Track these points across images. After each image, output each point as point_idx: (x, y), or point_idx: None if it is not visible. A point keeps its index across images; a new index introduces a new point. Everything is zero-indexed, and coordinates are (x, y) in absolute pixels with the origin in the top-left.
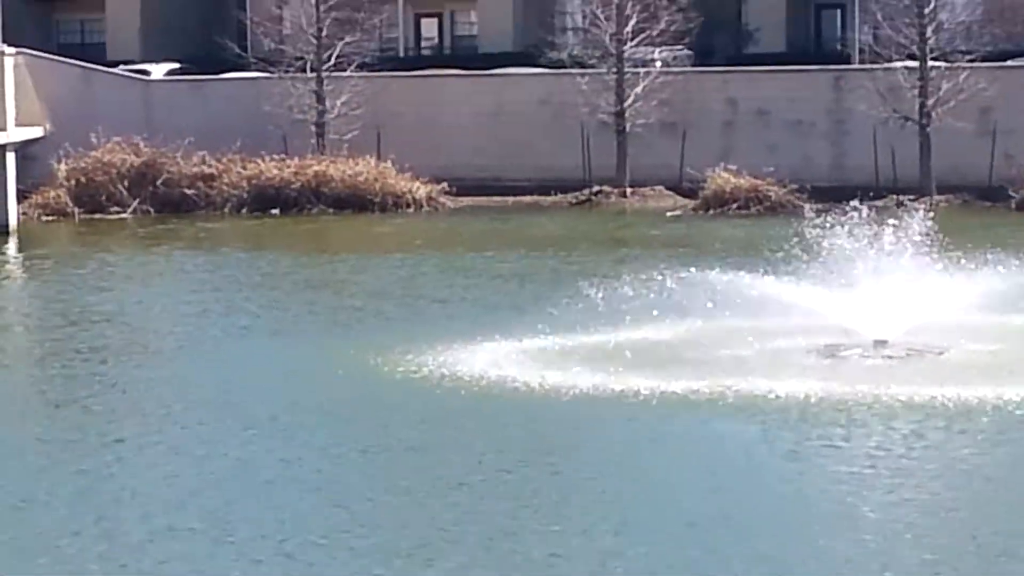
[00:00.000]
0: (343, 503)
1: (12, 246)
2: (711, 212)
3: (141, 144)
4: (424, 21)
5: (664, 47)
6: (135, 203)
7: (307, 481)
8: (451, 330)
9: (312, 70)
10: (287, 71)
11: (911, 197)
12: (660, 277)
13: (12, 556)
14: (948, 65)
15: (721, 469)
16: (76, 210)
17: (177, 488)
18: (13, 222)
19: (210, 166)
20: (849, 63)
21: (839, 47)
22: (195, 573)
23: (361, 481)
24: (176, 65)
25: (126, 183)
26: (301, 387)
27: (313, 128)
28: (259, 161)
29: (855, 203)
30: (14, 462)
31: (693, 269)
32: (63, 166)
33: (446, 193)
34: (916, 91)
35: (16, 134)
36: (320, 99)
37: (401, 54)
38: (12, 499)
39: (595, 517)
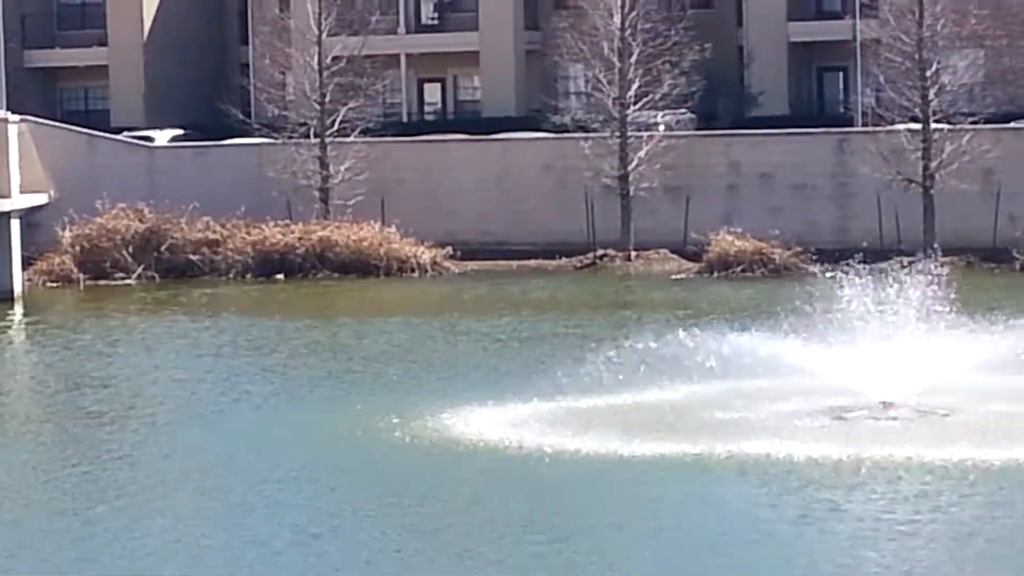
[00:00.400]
0: (342, 567)
1: (17, 312)
2: (716, 275)
3: (145, 210)
4: (427, 86)
5: (667, 111)
6: (140, 269)
7: (307, 545)
8: (452, 394)
9: (316, 135)
10: (291, 137)
11: (915, 259)
12: (664, 340)
13: None
14: (951, 127)
15: (726, 533)
16: (81, 276)
17: (175, 556)
18: (18, 288)
19: (214, 232)
20: (852, 125)
21: (842, 110)
22: None
23: (362, 544)
24: (180, 131)
25: (130, 249)
26: (300, 452)
27: (317, 193)
28: (263, 226)
29: (860, 265)
30: (9, 530)
31: (697, 332)
32: (68, 232)
33: (450, 257)
34: (919, 153)
35: (21, 201)
36: (324, 164)
37: (404, 119)
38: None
39: None
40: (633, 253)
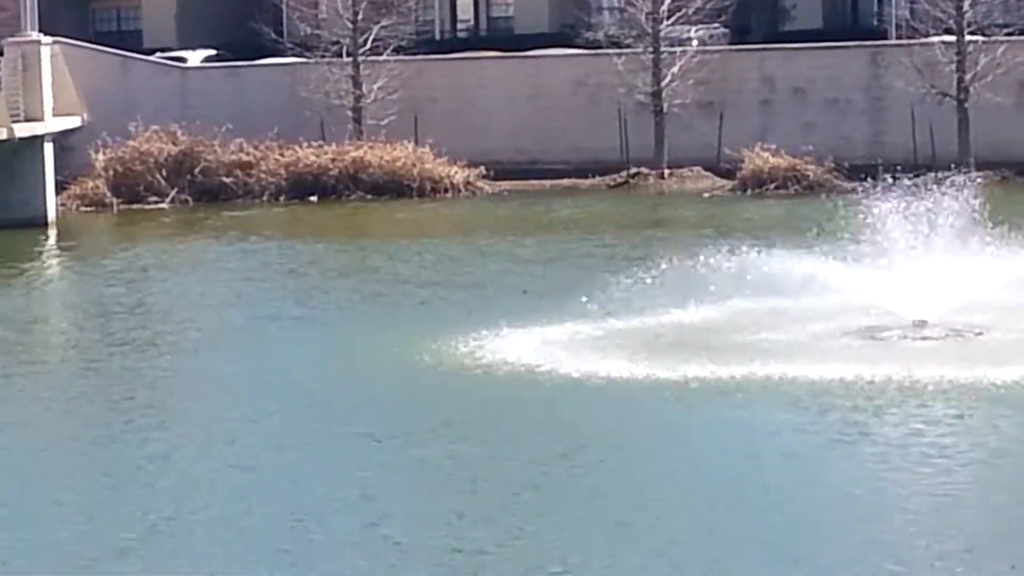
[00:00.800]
0: (374, 492)
1: (51, 237)
2: (749, 192)
3: (179, 132)
4: (460, 3)
5: (700, 25)
6: (173, 192)
7: (339, 470)
8: (482, 317)
9: (348, 55)
10: (323, 56)
11: (950, 174)
12: (696, 259)
13: (44, 557)
14: (985, 39)
15: (754, 456)
16: (114, 200)
17: (214, 478)
18: (52, 213)
19: (247, 154)
20: (886, 38)
21: (875, 22)
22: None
23: (393, 469)
24: (212, 51)
25: (164, 172)
26: (331, 375)
27: (350, 113)
28: (296, 148)
29: (894, 179)
30: (50, 455)
31: (730, 250)
32: (101, 156)
33: (484, 177)
34: (953, 66)
35: (54, 124)
36: (357, 84)
37: (437, 37)
38: (51, 492)
39: (628, 506)
40: (666, 171)
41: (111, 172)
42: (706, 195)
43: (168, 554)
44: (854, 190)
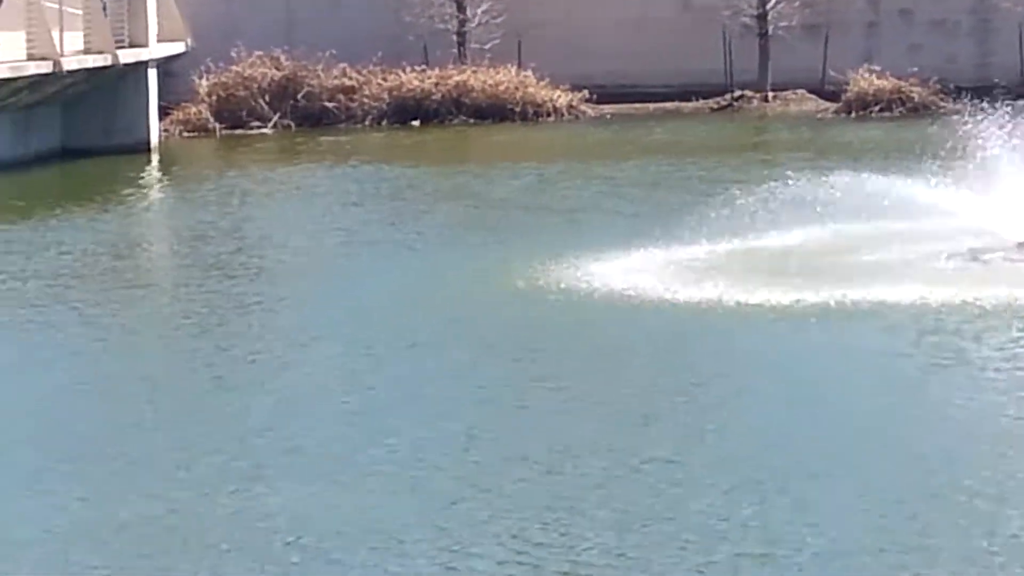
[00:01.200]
0: (483, 416)
1: (154, 163)
2: (854, 115)
3: (282, 58)
4: None
5: None
6: (276, 117)
7: (442, 393)
8: (580, 241)
9: None
10: None
11: None
12: (800, 182)
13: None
14: None
15: (852, 381)
16: (217, 126)
17: (321, 405)
18: (155, 139)
19: (350, 78)
20: None
21: None
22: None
23: (486, 395)
24: None
25: (267, 97)
26: (429, 300)
27: (454, 38)
28: (399, 72)
29: (1000, 102)
30: (154, 381)
31: (834, 173)
32: (204, 82)
33: (586, 101)
34: None
35: (158, 50)
36: (461, 8)
37: None
38: (157, 417)
39: (733, 430)
40: (770, 94)
41: (214, 97)
42: (811, 117)
43: (251, 478)
44: (959, 112)
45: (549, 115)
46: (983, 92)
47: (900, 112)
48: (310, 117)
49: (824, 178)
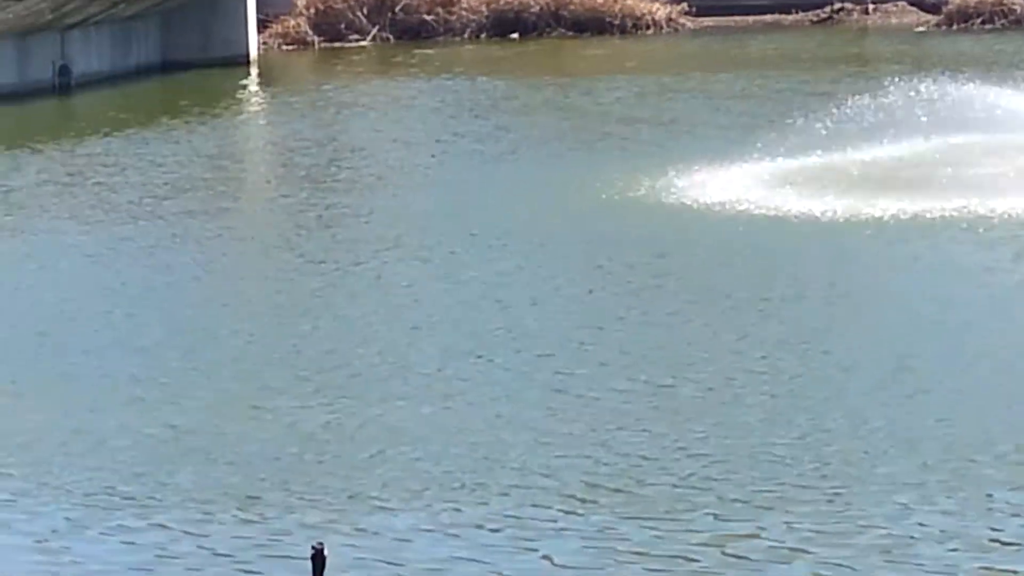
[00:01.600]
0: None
1: (252, 76)
2: (955, 27)
3: None
4: None
5: None
6: (374, 30)
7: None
8: (678, 154)
9: None
10: None
11: None
12: (902, 95)
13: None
14: None
15: (945, 295)
16: (315, 38)
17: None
18: (253, 52)
19: None
20: None
21: None
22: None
23: (604, 303)
24: None
25: (365, 10)
26: (532, 212)
27: None
28: None
29: None
30: (259, 291)
31: (933, 86)
32: None
33: (686, 14)
34: None
35: None
36: None
37: None
38: (268, 323)
39: (838, 343)
40: (871, 6)
41: (312, 10)
42: (912, 30)
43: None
44: None
45: (648, 28)
46: None
47: (1002, 25)
48: (408, 30)
49: (923, 90)
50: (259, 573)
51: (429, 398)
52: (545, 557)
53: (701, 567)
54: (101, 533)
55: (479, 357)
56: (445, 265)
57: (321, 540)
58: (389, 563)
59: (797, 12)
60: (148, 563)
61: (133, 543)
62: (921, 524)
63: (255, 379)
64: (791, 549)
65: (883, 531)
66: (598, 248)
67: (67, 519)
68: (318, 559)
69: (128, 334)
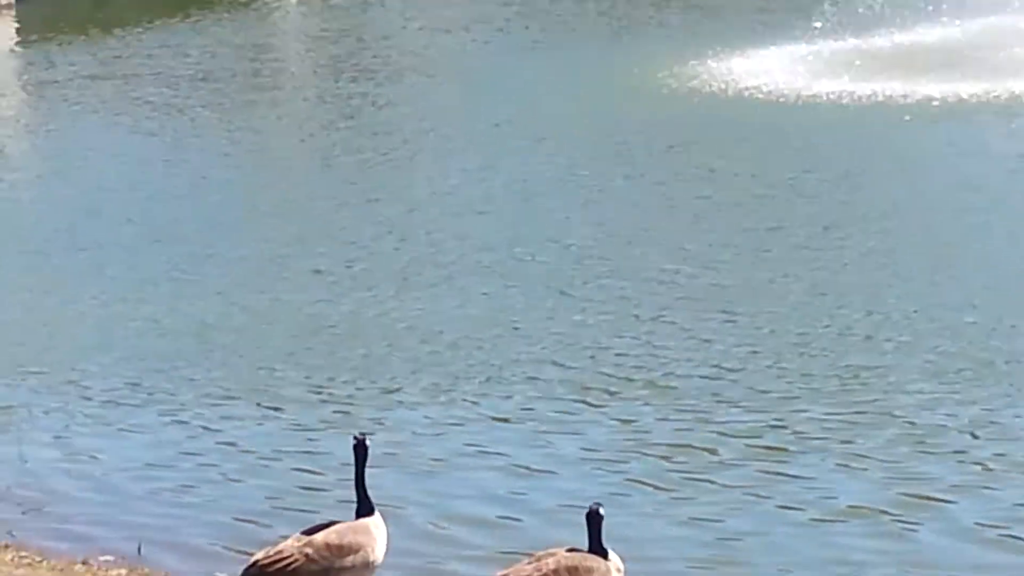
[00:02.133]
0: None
1: None
2: None
3: None
4: None
5: None
6: None
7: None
8: (714, 38)
9: None
10: None
11: None
12: None
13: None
14: None
15: (988, 176)
16: None
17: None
18: None
19: None
20: None
21: None
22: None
23: (632, 192)
24: None
25: None
26: (573, 97)
27: None
28: None
29: None
30: (285, 183)
31: None
32: None
33: None
34: None
35: None
36: None
37: None
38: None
39: (869, 227)
40: None
41: None
42: None
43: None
44: None
45: None
46: None
47: None
48: None
49: None
50: (279, 467)
51: (451, 291)
52: (569, 448)
53: (726, 458)
54: (120, 429)
55: (510, 248)
56: (473, 155)
57: (364, 432)
58: (412, 457)
59: None
60: (169, 460)
61: (154, 439)
62: (949, 415)
63: (279, 272)
64: (819, 439)
65: (912, 421)
66: (629, 135)
67: (87, 415)
68: (360, 449)
69: (154, 228)
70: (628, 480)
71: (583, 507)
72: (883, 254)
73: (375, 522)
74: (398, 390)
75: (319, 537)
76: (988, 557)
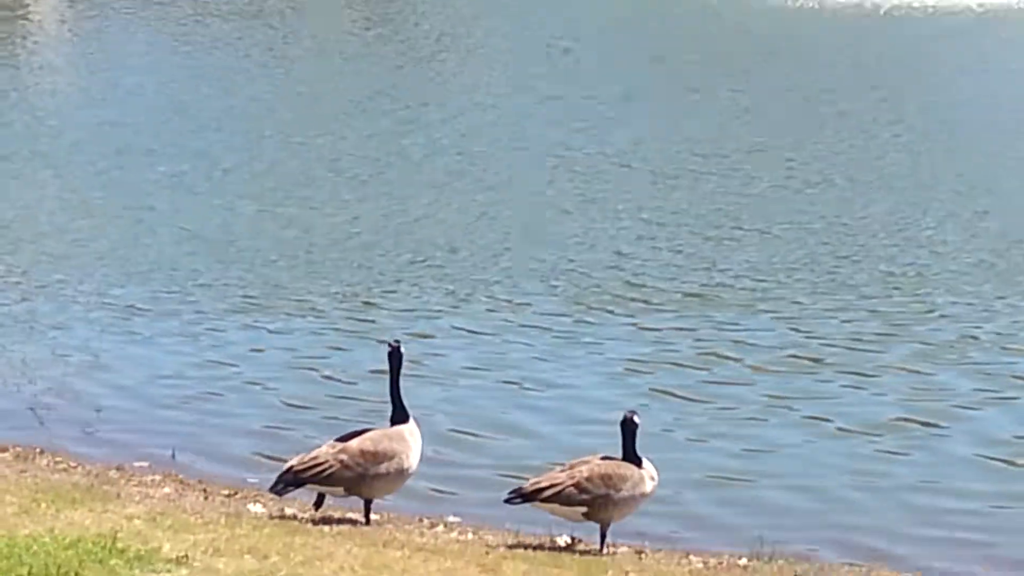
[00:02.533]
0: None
1: None
2: None
3: None
4: None
5: None
6: None
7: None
8: None
9: None
10: None
11: None
12: None
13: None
14: None
15: None
16: None
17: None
18: None
19: None
20: None
21: None
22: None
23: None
24: None
25: None
26: (669, 15)
27: None
28: None
29: None
30: (317, 93)
31: None
32: None
33: None
34: None
35: None
36: None
37: None
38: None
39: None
40: None
41: None
42: None
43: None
44: None
45: None
46: None
47: None
48: None
49: None
50: (309, 375)
51: (479, 202)
52: (596, 358)
53: (752, 369)
54: (150, 337)
55: (542, 158)
56: (510, 67)
57: (397, 339)
58: (440, 365)
59: None
60: (199, 368)
61: (184, 347)
62: (975, 326)
63: (304, 180)
64: (846, 350)
65: (938, 331)
66: (728, 48)
67: (116, 324)
68: (395, 356)
69: (184, 137)
70: (653, 390)
71: (607, 418)
72: (907, 167)
73: (410, 429)
74: (426, 299)
75: (354, 444)
76: (1012, 468)
